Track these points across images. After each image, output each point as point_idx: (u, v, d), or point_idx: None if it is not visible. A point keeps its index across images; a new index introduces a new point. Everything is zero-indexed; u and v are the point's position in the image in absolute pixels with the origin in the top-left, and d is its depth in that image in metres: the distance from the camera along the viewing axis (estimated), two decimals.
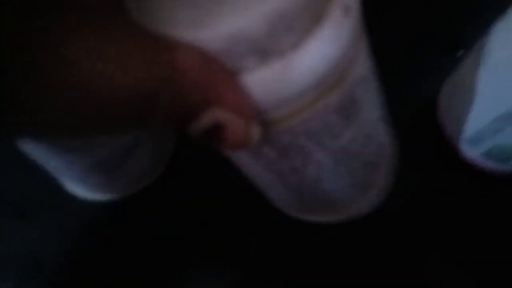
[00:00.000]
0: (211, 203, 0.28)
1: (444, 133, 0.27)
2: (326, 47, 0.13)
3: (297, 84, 0.14)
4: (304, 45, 0.13)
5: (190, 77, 0.12)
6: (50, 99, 0.11)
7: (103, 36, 0.11)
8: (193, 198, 0.28)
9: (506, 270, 0.26)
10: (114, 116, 0.12)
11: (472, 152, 0.25)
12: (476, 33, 0.25)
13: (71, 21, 0.11)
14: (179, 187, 0.29)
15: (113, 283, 0.27)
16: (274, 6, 0.12)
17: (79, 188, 0.29)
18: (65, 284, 0.28)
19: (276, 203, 0.25)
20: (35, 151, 0.23)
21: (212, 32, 0.12)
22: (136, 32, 0.12)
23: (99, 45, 0.11)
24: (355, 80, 0.16)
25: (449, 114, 0.26)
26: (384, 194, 0.25)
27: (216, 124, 0.13)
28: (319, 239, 0.27)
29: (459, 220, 0.27)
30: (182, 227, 0.28)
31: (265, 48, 0.13)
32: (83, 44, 0.11)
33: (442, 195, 0.27)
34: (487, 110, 0.23)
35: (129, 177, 0.28)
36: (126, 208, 0.29)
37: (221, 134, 0.13)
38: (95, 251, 0.28)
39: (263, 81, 0.13)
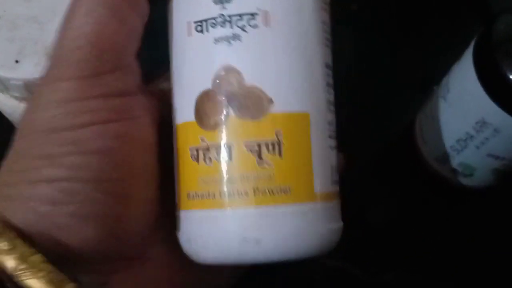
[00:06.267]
0: None
1: (419, 153, 0.32)
2: None
3: None
4: None
5: None
6: None
7: None
8: None
9: (478, 272, 0.31)
10: None
11: (442, 169, 0.31)
12: (445, 73, 0.30)
13: None
14: None
15: None
16: None
17: None
18: None
19: None
20: None
21: None
22: None
23: None
24: None
25: (422, 138, 0.31)
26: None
27: None
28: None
29: (433, 227, 0.32)
30: None
31: None
32: None
33: (417, 205, 0.32)
34: (449, 134, 0.28)
35: None
36: None
37: None
38: None
39: None
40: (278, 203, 0.18)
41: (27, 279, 0.16)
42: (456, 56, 0.28)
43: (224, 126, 0.18)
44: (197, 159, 0.18)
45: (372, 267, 0.30)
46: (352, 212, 0.24)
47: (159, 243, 0.21)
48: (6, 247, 0.16)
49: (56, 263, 0.16)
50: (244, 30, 0.18)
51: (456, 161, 0.29)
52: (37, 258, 0.16)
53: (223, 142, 0.18)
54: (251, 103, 0.18)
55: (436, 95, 0.29)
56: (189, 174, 0.19)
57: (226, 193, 0.18)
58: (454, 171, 0.30)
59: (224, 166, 0.18)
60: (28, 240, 0.16)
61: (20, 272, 0.16)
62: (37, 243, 0.17)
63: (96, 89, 0.18)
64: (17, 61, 0.22)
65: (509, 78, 0.23)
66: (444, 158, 0.30)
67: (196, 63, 0.19)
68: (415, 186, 0.33)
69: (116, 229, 0.18)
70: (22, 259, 0.16)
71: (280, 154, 0.18)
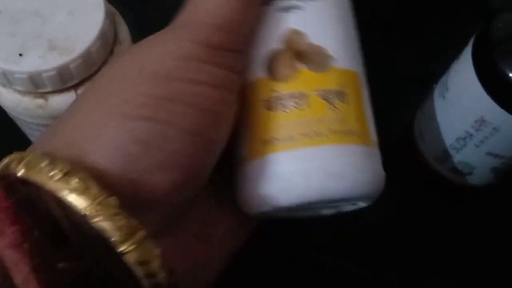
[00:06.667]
0: None
1: (419, 152, 0.32)
2: None
3: None
4: None
5: None
6: None
7: None
8: None
9: (478, 270, 0.31)
10: None
11: (442, 168, 0.31)
12: (444, 71, 0.30)
13: None
14: None
15: None
16: None
17: None
18: None
19: None
20: None
21: None
22: None
23: None
24: None
25: (422, 137, 0.31)
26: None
27: None
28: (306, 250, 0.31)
29: (433, 226, 0.32)
30: None
31: None
32: None
33: (417, 205, 0.32)
34: (448, 133, 0.28)
35: None
36: None
37: None
38: None
39: None
40: (350, 143, 0.20)
41: (98, 221, 0.15)
42: (455, 56, 0.28)
43: (296, 77, 0.21)
44: (270, 108, 0.21)
45: (373, 266, 0.30)
46: (352, 211, 0.24)
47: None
48: (78, 186, 0.15)
49: (128, 208, 0.16)
50: (304, 1, 0.22)
51: (455, 159, 0.29)
52: (111, 201, 0.15)
53: (298, 90, 0.20)
54: (317, 58, 0.21)
55: (435, 94, 0.29)
56: (264, 123, 0.21)
57: (307, 134, 0.20)
58: (453, 169, 0.30)
59: (301, 112, 0.20)
60: (104, 182, 0.16)
61: (91, 213, 0.15)
62: (114, 185, 0.16)
63: (214, 57, 0.20)
64: (21, 54, 0.22)
65: (508, 77, 0.23)
66: (444, 157, 0.30)
67: (264, 29, 0.22)
68: (415, 185, 0.33)
69: (191, 180, 0.19)
70: (94, 200, 0.15)
71: (346, 101, 0.21)
